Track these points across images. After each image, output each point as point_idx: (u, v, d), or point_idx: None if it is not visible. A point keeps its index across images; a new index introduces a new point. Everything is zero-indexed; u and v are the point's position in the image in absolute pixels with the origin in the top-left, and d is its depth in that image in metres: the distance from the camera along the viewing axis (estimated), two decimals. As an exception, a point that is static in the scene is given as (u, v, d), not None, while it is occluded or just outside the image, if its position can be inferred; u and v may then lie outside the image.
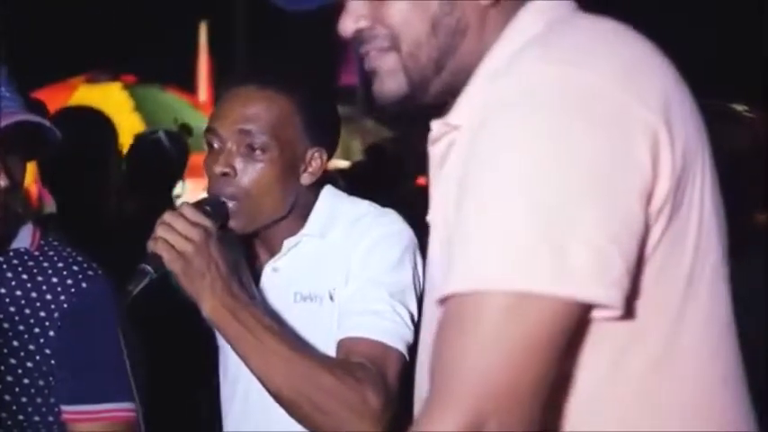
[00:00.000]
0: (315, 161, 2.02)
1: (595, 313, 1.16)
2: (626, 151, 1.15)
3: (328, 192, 2.09)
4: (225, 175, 1.98)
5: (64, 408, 1.98)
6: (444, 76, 1.32)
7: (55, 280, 1.98)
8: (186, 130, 4.24)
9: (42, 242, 2.04)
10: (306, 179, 2.03)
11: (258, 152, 1.97)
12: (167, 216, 1.88)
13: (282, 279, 2.06)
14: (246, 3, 13.99)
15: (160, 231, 1.87)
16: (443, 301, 1.18)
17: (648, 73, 1.22)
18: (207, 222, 1.88)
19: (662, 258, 1.20)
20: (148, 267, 1.86)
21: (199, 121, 9.45)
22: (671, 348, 1.22)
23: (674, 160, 1.18)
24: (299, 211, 2.05)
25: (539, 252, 1.11)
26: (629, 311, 1.17)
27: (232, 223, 1.99)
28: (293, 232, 2.05)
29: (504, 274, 1.12)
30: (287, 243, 2.05)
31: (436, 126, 1.36)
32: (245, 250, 2.11)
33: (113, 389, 1.99)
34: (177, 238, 1.85)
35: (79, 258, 2.03)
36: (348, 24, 1.35)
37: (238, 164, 1.97)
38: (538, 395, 1.14)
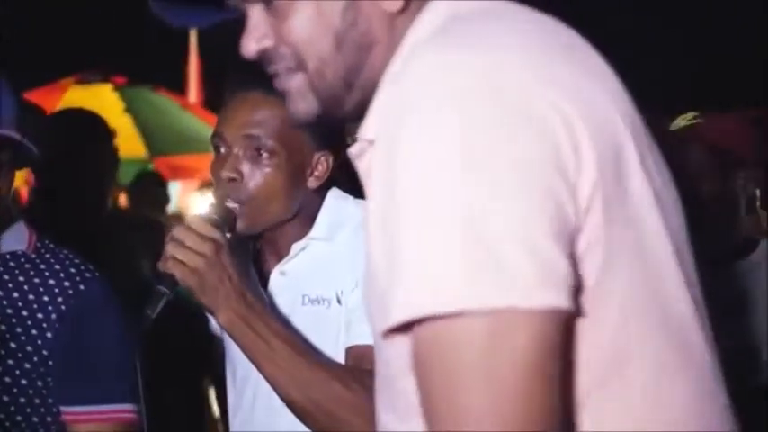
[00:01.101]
0: (321, 165, 2.03)
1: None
2: (545, 144, 1.06)
3: (334, 194, 2.10)
4: (232, 180, 1.98)
5: (63, 408, 1.99)
6: (356, 92, 1.25)
7: (52, 282, 1.99)
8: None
9: (38, 244, 2.05)
10: (312, 183, 2.03)
11: (265, 157, 1.98)
12: (177, 232, 1.87)
13: (290, 282, 2.06)
14: (236, 4, 13.95)
15: (170, 249, 1.86)
16: (388, 332, 1.07)
17: (562, 58, 1.14)
18: (217, 235, 1.88)
19: (604, 248, 1.10)
20: (163, 288, 1.86)
21: (189, 122, 9.44)
22: (624, 343, 1.12)
23: (596, 147, 1.09)
24: (305, 214, 2.05)
25: (467, 267, 1.02)
26: (578, 309, 1.08)
27: (237, 225, 1.99)
28: (300, 236, 2.06)
29: (456, 292, 1.02)
30: (294, 247, 2.06)
31: (357, 144, 1.29)
32: (253, 255, 2.12)
33: (113, 389, 1.99)
34: (188, 253, 1.85)
35: (76, 260, 2.03)
36: (251, 45, 1.28)
37: (245, 169, 1.98)
38: (552, 419, 1.03)
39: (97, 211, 3.17)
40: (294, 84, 1.27)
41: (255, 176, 1.98)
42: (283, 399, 1.89)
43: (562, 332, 1.05)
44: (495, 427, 1.01)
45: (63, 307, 1.97)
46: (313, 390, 1.86)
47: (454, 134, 1.05)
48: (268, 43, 1.27)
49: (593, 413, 1.12)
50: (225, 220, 1.95)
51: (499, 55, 1.10)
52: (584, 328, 1.10)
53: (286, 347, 1.86)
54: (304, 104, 1.28)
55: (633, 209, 1.13)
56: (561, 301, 1.04)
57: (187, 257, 1.84)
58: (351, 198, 2.11)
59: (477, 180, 1.04)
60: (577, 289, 1.08)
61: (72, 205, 3.13)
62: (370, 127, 1.24)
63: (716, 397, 1.20)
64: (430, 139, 1.06)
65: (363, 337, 1.94)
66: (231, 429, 2.16)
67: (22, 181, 7.13)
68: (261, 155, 1.98)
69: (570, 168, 1.07)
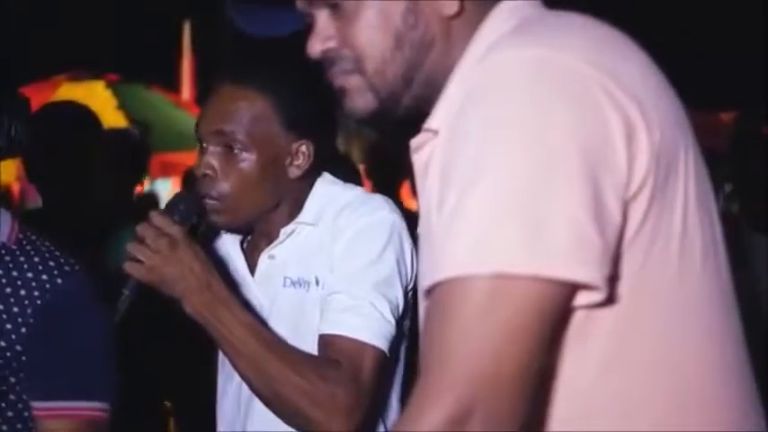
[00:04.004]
0: (301, 154, 2.04)
1: (580, 299, 1.14)
2: (601, 131, 1.14)
3: (324, 180, 2.11)
4: (205, 176, 2.00)
5: (33, 404, 1.94)
6: (414, 88, 1.34)
7: (30, 275, 1.94)
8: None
9: (20, 236, 2.00)
10: (294, 172, 2.04)
11: (236, 152, 1.99)
12: (139, 228, 1.92)
13: (276, 266, 2.08)
14: (231, 2, 13.96)
15: (130, 248, 1.91)
16: (429, 292, 1.17)
17: (622, 58, 1.22)
18: (173, 229, 1.91)
19: (645, 243, 1.18)
20: (126, 291, 1.92)
21: (182, 119, 9.43)
22: (664, 337, 1.20)
23: (652, 143, 1.17)
24: (292, 200, 2.07)
25: (515, 234, 1.11)
26: (615, 298, 1.16)
27: (215, 219, 2.02)
28: (289, 221, 2.07)
29: (482, 257, 1.11)
30: (283, 231, 2.08)
31: (419, 135, 1.37)
32: (243, 239, 2.15)
33: (85, 387, 1.95)
34: (145, 252, 1.89)
35: (56, 253, 1.99)
36: (315, 46, 1.37)
37: (218, 165, 2.00)
38: (523, 385, 1.12)
39: (83, 202, 3.15)
40: (351, 83, 1.36)
41: (228, 172, 2.00)
42: (248, 386, 1.93)
43: (561, 309, 1.13)
44: (466, 374, 1.10)
45: (39, 301, 1.92)
46: (271, 379, 1.88)
47: (515, 117, 1.14)
48: (332, 44, 1.36)
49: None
50: (190, 208, 1.98)
51: (565, 49, 1.19)
52: (629, 316, 1.18)
53: (248, 335, 1.89)
54: (362, 101, 1.36)
55: (678, 201, 1.20)
56: (585, 276, 1.11)
57: (144, 256, 1.89)
58: (341, 182, 2.13)
59: (530, 162, 1.12)
60: (620, 275, 1.16)
61: (62, 199, 3.12)
62: (436, 119, 1.32)
63: (746, 382, 1.27)
64: (493, 122, 1.15)
65: (332, 326, 1.95)
66: (219, 412, 2.17)
67: (13, 176, 7.10)
68: (233, 150, 1.99)
69: (622, 157, 1.15)
